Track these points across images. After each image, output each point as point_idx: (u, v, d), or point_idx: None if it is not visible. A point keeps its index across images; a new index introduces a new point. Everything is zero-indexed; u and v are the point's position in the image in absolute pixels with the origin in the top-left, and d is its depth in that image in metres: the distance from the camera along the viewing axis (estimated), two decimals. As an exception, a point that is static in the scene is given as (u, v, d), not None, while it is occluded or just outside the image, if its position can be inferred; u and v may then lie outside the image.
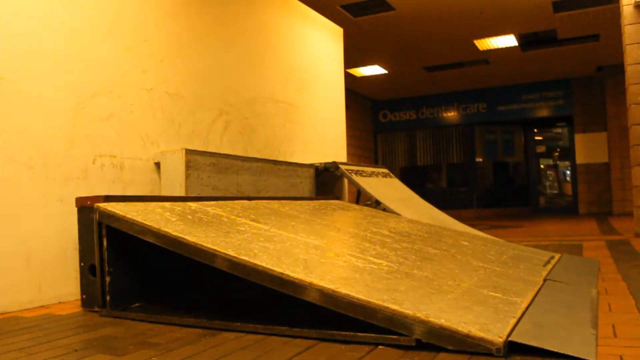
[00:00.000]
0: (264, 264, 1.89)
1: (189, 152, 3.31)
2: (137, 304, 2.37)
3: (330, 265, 2.07)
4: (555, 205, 12.78)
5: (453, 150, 12.93)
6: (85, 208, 2.38)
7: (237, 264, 1.93)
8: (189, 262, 2.11)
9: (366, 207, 4.41)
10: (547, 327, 1.67)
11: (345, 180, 5.49)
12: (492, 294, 2.01)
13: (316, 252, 2.26)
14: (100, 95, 3.01)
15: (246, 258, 1.93)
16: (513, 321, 1.66)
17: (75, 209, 2.44)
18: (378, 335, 1.64)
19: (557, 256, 3.30)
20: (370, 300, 1.67)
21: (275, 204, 3.38)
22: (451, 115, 12.60)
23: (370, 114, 13.03)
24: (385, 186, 5.26)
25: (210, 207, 2.76)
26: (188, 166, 3.29)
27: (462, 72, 10.67)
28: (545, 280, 2.44)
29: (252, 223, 2.62)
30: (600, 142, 11.14)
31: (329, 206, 3.91)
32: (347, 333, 1.70)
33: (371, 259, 2.31)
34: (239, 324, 1.91)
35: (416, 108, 12.69)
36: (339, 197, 5.19)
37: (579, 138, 11.41)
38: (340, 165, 4.86)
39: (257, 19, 4.61)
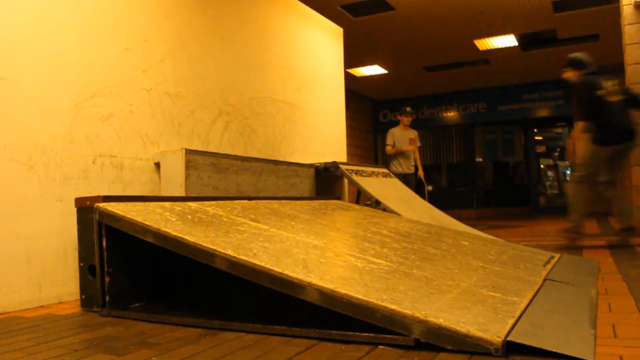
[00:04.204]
0: (263, 264, 1.89)
1: (188, 152, 3.32)
2: (137, 304, 2.37)
3: (329, 265, 2.08)
4: (555, 205, 12.78)
5: (453, 150, 12.93)
6: (85, 208, 2.38)
7: (236, 263, 1.93)
8: (189, 262, 2.11)
9: (366, 207, 4.42)
10: (546, 327, 1.67)
11: (345, 180, 5.49)
12: (491, 293, 2.01)
13: (315, 252, 2.26)
14: (100, 95, 3.01)
15: (245, 258, 1.93)
16: (512, 321, 1.66)
17: (75, 209, 2.45)
18: (377, 335, 1.64)
19: (557, 256, 3.30)
20: (369, 300, 1.67)
21: (275, 204, 3.39)
22: (451, 115, 12.60)
23: (370, 114, 13.03)
24: (385, 186, 5.26)
25: (210, 207, 2.76)
26: (188, 166, 3.29)
27: (462, 72, 10.66)
28: (545, 280, 2.45)
29: (251, 223, 2.62)
30: (600, 142, 11.11)
31: (328, 206, 3.92)
32: (347, 333, 1.70)
33: (371, 258, 2.31)
34: (238, 324, 1.92)
35: (416, 108, 12.69)
36: (339, 197, 5.19)
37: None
38: (340, 165, 4.86)
39: (257, 19, 4.61)
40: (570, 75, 4.36)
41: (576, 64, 4.32)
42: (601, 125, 4.07)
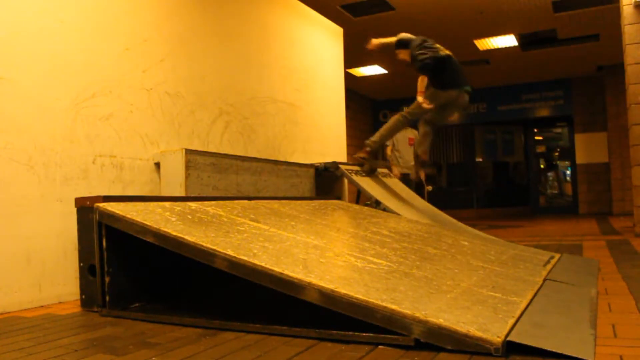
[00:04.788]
0: (263, 264, 1.89)
1: (188, 152, 3.31)
2: (137, 304, 2.37)
3: (329, 265, 2.08)
4: (555, 205, 12.78)
5: (453, 150, 12.92)
6: (85, 208, 2.38)
7: (236, 263, 1.93)
8: (189, 262, 2.11)
9: (366, 207, 4.41)
10: (546, 327, 1.67)
11: (345, 180, 5.49)
12: (491, 293, 2.01)
13: (315, 252, 2.26)
14: (100, 95, 3.01)
15: (245, 258, 1.93)
16: (512, 321, 1.66)
17: (75, 209, 2.45)
18: (377, 335, 1.64)
19: (557, 256, 3.30)
20: (369, 300, 1.67)
21: (275, 204, 3.39)
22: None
23: (370, 114, 13.03)
24: (385, 186, 5.26)
25: (210, 207, 2.76)
26: (188, 166, 3.29)
27: (462, 72, 10.64)
28: (545, 280, 2.45)
29: (251, 223, 2.62)
30: (600, 142, 11.13)
31: (329, 206, 3.92)
32: (347, 333, 1.70)
33: (371, 258, 2.31)
34: (238, 324, 1.92)
35: (416, 108, 12.67)
36: (339, 197, 5.19)
37: (579, 138, 11.40)
38: (340, 165, 4.86)
39: (257, 19, 4.61)
40: (403, 55, 4.79)
41: (405, 44, 4.77)
42: (448, 72, 4.60)
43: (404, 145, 7.23)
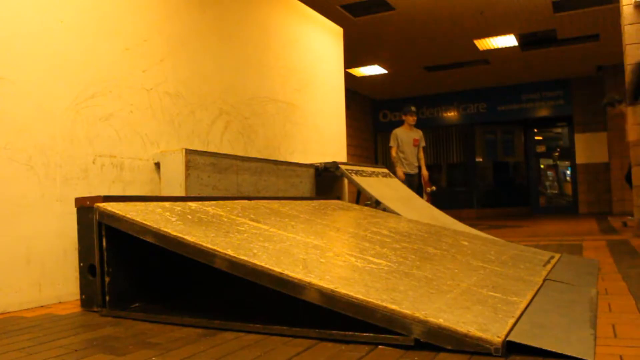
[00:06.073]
0: (263, 264, 1.89)
1: (188, 152, 3.31)
2: (137, 304, 2.37)
3: (329, 265, 2.08)
4: (555, 205, 12.78)
5: (453, 150, 12.92)
6: (85, 208, 2.38)
7: (236, 263, 1.93)
8: (189, 261, 2.11)
9: (366, 207, 4.41)
10: (546, 327, 1.67)
11: (345, 180, 5.49)
12: (491, 293, 2.01)
13: (315, 252, 2.26)
14: (100, 95, 3.01)
15: (245, 258, 1.93)
16: (512, 321, 1.66)
17: (75, 209, 2.44)
18: (377, 335, 1.64)
19: (557, 256, 3.30)
20: (369, 300, 1.67)
21: (275, 204, 3.39)
22: (451, 115, 12.60)
23: (370, 114, 13.03)
24: (385, 186, 5.26)
25: (210, 207, 2.76)
26: (188, 166, 3.29)
27: (462, 72, 10.66)
28: (545, 280, 2.45)
29: (251, 223, 2.62)
30: (600, 142, 11.13)
31: (329, 206, 3.92)
32: (347, 333, 1.70)
33: (371, 258, 2.31)
34: (239, 324, 1.92)
35: (416, 108, 12.68)
36: (339, 197, 5.19)
37: (579, 138, 11.40)
38: (340, 165, 4.86)
39: (257, 19, 4.61)
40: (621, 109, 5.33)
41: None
42: None
43: (409, 146, 7.14)
